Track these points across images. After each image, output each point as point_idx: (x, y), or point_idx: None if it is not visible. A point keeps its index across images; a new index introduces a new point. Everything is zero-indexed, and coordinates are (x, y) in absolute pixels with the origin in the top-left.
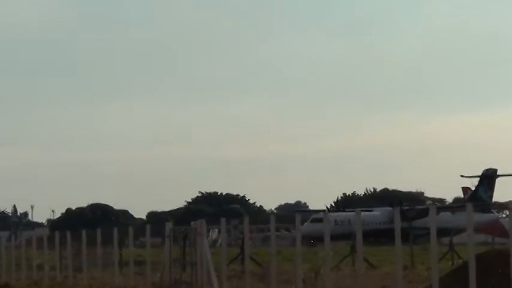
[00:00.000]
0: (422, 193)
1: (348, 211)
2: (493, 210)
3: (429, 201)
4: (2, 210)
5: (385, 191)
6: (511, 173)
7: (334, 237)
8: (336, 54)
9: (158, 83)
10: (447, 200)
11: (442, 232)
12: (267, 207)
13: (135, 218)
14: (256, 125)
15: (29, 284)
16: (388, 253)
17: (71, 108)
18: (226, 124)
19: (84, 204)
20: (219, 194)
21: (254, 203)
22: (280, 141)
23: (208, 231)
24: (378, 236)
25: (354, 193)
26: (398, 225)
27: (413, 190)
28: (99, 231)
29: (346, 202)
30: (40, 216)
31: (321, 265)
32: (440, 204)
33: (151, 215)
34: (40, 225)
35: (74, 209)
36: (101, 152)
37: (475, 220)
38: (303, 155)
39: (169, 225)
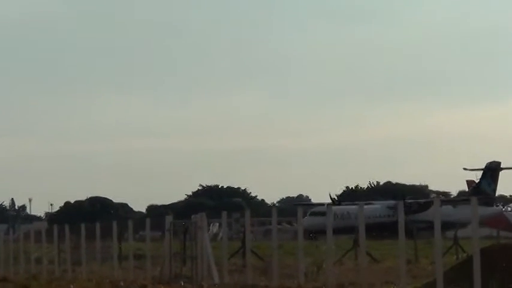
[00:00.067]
0: (427, 186)
1: (343, 205)
2: (498, 204)
3: (433, 195)
4: None
5: (388, 184)
6: None
7: (334, 231)
8: (338, 47)
9: (158, 75)
10: (452, 193)
11: (444, 225)
12: (268, 201)
13: (134, 212)
14: (257, 118)
15: (27, 278)
16: (392, 247)
17: (70, 100)
18: (227, 116)
19: (83, 197)
20: (220, 187)
21: (256, 196)
22: (282, 134)
23: (209, 224)
24: (378, 229)
25: (357, 186)
26: (402, 218)
27: (417, 183)
28: (98, 225)
29: (349, 196)
30: (38, 209)
31: (323, 259)
32: (444, 198)
33: (151, 208)
34: (38, 218)
35: (72, 202)
36: (100, 144)
37: (479, 213)
38: (305, 148)
39: (169, 219)
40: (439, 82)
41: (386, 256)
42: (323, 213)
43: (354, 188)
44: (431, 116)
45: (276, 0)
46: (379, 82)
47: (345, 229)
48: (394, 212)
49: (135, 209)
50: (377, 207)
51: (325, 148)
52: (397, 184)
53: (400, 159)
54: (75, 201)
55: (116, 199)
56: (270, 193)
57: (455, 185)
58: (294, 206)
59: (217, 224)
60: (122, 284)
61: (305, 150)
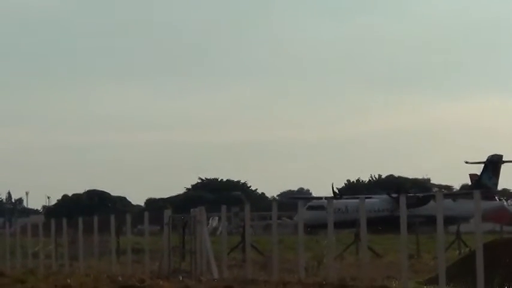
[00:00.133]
0: (429, 180)
1: (344, 199)
2: (501, 198)
3: (436, 188)
4: None
5: (390, 177)
6: None
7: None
8: (340, 39)
9: (158, 67)
10: (454, 187)
11: (444, 220)
12: (269, 194)
13: (133, 205)
14: (258, 110)
15: (24, 273)
16: (393, 241)
17: (68, 91)
18: (227, 108)
19: (80, 191)
20: (219, 180)
21: (256, 189)
22: (283, 126)
23: (208, 218)
24: (375, 224)
25: (358, 180)
26: (404, 213)
27: (420, 177)
28: (96, 219)
29: (350, 189)
30: (35, 202)
31: (324, 254)
32: (446, 191)
33: (150, 202)
34: (35, 212)
35: (70, 195)
36: (98, 136)
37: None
38: (306, 141)
39: (168, 213)
40: (441, 74)
41: (388, 251)
42: (319, 207)
43: (355, 181)
44: (434, 109)
45: None
46: (381, 74)
47: (343, 223)
48: (391, 206)
49: (134, 202)
50: (375, 201)
51: (326, 141)
52: (399, 177)
53: (403, 152)
54: (73, 195)
55: (114, 192)
56: (270, 186)
57: (458, 179)
58: (293, 200)
59: (217, 218)
60: (120, 278)
61: (306, 143)
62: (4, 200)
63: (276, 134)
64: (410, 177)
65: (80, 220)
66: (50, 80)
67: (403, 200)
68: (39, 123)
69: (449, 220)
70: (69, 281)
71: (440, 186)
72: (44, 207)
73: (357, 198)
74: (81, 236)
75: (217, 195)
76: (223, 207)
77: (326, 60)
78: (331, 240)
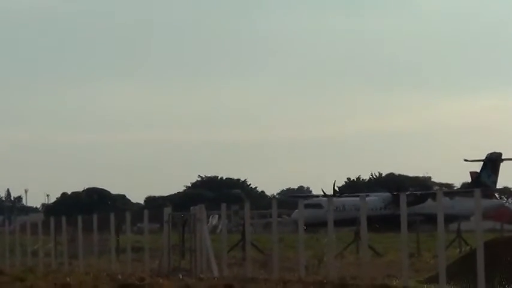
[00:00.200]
0: (430, 178)
1: (343, 197)
2: (501, 196)
3: (436, 187)
4: None
5: (391, 175)
6: None
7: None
8: (338, 38)
9: (156, 66)
10: (455, 185)
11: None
12: (268, 192)
13: (132, 203)
14: (258, 108)
15: (23, 271)
16: (394, 240)
17: (66, 90)
18: (227, 107)
19: (80, 189)
20: (219, 178)
21: (255, 187)
22: (283, 124)
23: (208, 216)
24: (374, 222)
25: (358, 178)
26: (404, 211)
27: (420, 175)
28: (95, 217)
29: (350, 187)
30: (34, 200)
31: (324, 252)
32: (447, 189)
33: (149, 200)
34: (34, 210)
35: (69, 193)
36: (98, 134)
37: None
38: (306, 139)
39: (167, 211)
40: (441, 73)
41: (388, 249)
42: (317, 206)
43: (355, 179)
44: (435, 107)
45: None
46: (380, 73)
47: (341, 222)
48: (388, 204)
49: (133, 200)
50: (373, 199)
51: (326, 139)
52: (400, 176)
53: (403, 150)
54: (72, 193)
55: (114, 190)
56: (270, 184)
57: (459, 177)
58: (293, 198)
59: (217, 216)
60: (119, 277)
61: (306, 141)
62: (3, 198)
63: (275, 132)
64: (411, 175)
65: (80, 218)
66: (49, 80)
67: (403, 198)
68: (38, 122)
69: (448, 218)
70: (68, 279)
71: (440, 185)
72: (43, 205)
73: (356, 196)
74: (80, 234)
75: (217, 193)
76: (223, 206)
77: (325, 59)
78: (331, 239)
